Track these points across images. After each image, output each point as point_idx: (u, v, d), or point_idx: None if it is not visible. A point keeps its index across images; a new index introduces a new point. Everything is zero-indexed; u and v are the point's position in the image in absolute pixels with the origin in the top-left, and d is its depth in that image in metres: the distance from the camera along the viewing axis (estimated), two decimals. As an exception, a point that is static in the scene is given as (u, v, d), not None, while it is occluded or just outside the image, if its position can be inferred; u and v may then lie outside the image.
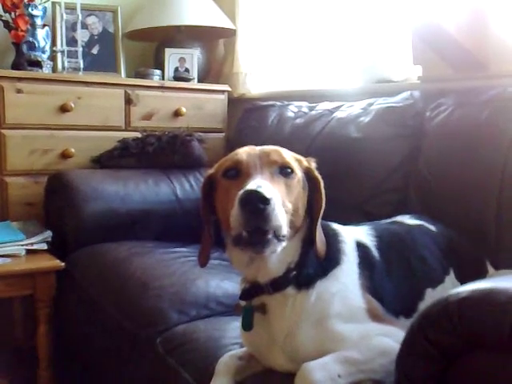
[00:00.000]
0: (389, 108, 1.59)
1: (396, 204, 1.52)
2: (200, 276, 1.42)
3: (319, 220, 0.95)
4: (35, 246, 1.70)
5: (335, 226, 1.06)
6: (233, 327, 1.21)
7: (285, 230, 0.86)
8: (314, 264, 0.96)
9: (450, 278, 1.12)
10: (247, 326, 0.98)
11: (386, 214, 1.36)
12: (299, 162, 0.97)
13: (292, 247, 0.94)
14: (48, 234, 1.74)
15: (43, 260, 1.66)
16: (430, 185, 1.44)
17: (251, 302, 0.98)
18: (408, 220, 1.24)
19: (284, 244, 0.88)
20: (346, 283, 0.97)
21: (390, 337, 0.90)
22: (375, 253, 1.05)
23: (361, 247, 1.04)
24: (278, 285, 0.95)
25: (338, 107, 1.78)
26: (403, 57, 1.85)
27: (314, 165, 0.98)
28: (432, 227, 1.21)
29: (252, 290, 0.97)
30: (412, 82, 1.76)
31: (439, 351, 0.70)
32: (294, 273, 0.95)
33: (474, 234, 1.28)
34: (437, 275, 1.10)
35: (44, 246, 1.72)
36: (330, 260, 0.98)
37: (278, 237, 0.85)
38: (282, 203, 0.87)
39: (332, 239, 1.00)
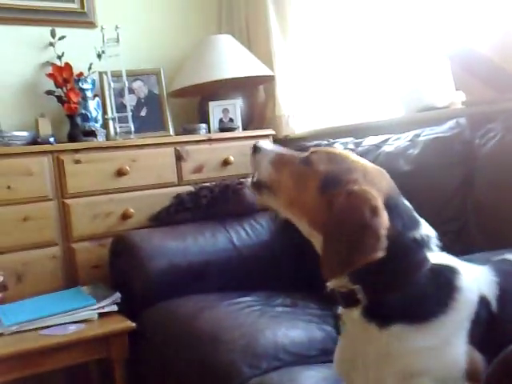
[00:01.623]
0: (437, 138, 1.58)
1: (457, 232, 1.50)
2: (267, 326, 1.44)
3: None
4: (106, 309, 1.77)
5: (457, 263, 0.95)
6: (305, 376, 1.21)
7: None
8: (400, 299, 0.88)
9: None
10: (336, 329, 0.98)
11: (448, 243, 1.34)
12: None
13: None
14: (117, 295, 1.80)
15: (115, 322, 1.72)
16: (488, 211, 1.42)
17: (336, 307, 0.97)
18: None
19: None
20: (447, 336, 0.87)
21: None
22: (495, 306, 0.90)
23: (484, 304, 0.89)
24: (345, 299, 0.93)
25: (385, 141, 1.79)
26: (445, 82, 1.85)
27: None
28: None
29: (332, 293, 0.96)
30: (456, 108, 1.75)
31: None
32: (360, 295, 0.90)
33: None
34: None
35: (114, 308, 1.78)
36: (432, 304, 0.88)
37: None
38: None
39: (444, 280, 0.90)
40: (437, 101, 1.88)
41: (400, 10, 2.10)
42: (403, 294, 0.89)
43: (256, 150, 1.05)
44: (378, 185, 0.93)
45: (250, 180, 1.06)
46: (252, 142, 2.30)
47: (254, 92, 2.57)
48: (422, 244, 0.92)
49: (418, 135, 1.66)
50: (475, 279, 0.92)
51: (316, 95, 2.41)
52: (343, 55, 2.32)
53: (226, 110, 2.41)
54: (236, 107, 2.41)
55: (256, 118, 2.55)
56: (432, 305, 0.89)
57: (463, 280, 0.91)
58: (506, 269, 1.01)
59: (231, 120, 2.40)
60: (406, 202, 0.97)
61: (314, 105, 2.42)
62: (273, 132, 2.39)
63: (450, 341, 0.86)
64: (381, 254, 0.86)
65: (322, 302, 1.68)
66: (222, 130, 2.37)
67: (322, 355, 1.34)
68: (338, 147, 1.99)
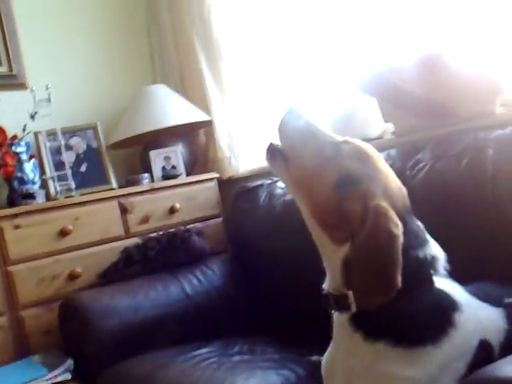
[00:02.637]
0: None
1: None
2: (224, 379, 1.42)
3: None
4: (59, 378, 1.70)
5: (462, 297, 0.90)
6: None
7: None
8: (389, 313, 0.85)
9: None
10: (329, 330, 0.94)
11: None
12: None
13: (334, 261, 0.90)
14: (69, 362, 1.74)
15: (69, 391, 1.66)
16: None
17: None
18: None
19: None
20: (432, 372, 0.82)
21: None
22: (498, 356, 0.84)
23: (485, 350, 0.85)
24: (336, 302, 0.91)
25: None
26: (376, 113, 1.91)
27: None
28: None
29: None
30: (387, 139, 1.82)
31: None
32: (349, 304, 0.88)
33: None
34: None
35: (68, 376, 1.72)
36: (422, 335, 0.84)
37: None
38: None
39: (439, 308, 0.87)
40: (369, 131, 1.94)
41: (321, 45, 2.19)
42: (393, 310, 0.85)
43: (289, 112, 0.97)
44: (393, 201, 0.89)
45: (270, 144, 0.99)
46: (196, 188, 2.32)
47: (195, 137, 2.59)
48: (424, 263, 0.89)
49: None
50: (479, 322, 0.88)
51: (255, 134, 2.44)
52: (276, 91, 2.37)
53: (167, 158, 2.41)
54: (177, 154, 2.41)
55: (199, 162, 2.56)
56: (422, 332, 0.85)
57: (463, 318, 0.87)
58: None
59: (174, 167, 2.40)
60: (417, 221, 0.94)
61: (254, 144, 2.45)
62: (216, 175, 2.41)
63: (434, 378, 0.82)
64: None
65: (279, 343, 1.68)
66: (166, 177, 2.36)
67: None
68: (281, 185, 2.02)
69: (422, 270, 0.89)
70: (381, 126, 1.91)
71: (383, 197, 0.89)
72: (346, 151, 0.93)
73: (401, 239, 0.84)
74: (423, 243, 0.92)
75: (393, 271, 0.82)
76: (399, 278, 0.82)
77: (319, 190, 0.91)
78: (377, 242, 0.84)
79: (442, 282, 0.92)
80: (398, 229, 0.85)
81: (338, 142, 0.95)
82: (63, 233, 2.06)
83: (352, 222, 0.87)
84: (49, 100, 2.23)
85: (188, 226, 2.18)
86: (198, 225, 2.25)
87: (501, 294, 1.00)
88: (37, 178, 2.20)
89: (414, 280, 0.87)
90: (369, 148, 0.97)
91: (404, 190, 0.96)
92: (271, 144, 0.99)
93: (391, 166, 1.57)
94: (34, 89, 2.24)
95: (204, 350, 1.66)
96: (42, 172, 2.26)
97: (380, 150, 1.66)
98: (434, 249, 0.93)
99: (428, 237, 0.94)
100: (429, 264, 0.90)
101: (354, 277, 0.86)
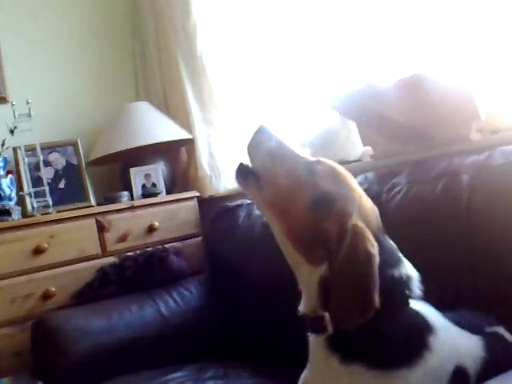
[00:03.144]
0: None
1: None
2: (196, 405, 1.39)
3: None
4: (28, 402, 1.66)
5: (438, 321, 0.89)
6: None
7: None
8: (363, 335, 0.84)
9: None
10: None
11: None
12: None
13: (310, 282, 0.89)
14: (39, 386, 1.70)
15: (37, 416, 1.61)
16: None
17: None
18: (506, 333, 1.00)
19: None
20: None
21: None
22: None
23: (461, 377, 0.84)
24: (312, 324, 0.90)
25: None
26: (356, 135, 1.91)
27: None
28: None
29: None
30: (365, 162, 1.81)
31: None
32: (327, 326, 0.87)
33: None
34: None
35: (37, 400, 1.67)
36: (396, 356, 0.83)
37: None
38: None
39: (413, 329, 0.85)
40: (348, 153, 1.94)
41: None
42: (369, 331, 0.84)
43: (259, 131, 0.96)
44: (368, 221, 0.90)
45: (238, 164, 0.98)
46: (175, 206, 2.29)
47: (176, 155, 2.57)
48: (399, 283, 0.88)
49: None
50: (455, 347, 0.87)
51: (237, 153, 2.43)
52: (258, 110, 2.37)
53: (148, 176, 2.39)
54: (158, 172, 2.39)
55: (179, 180, 2.54)
56: (397, 354, 0.84)
57: (438, 341, 0.86)
58: (496, 346, 0.94)
59: (154, 185, 2.38)
60: (390, 241, 0.94)
61: (235, 163, 2.44)
62: (197, 194, 2.39)
63: None
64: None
65: (254, 367, 1.65)
66: (145, 195, 2.33)
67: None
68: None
69: (397, 289, 0.88)
70: (360, 149, 1.91)
71: (359, 216, 0.89)
72: (321, 171, 0.93)
73: (377, 258, 0.84)
74: (398, 262, 0.91)
75: (371, 291, 0.82)
76: (377, 298, 0.82)
77: (294, 210, 0.91)
78: (355, 262, 0.84)
79: (418, 304, 0.91)
80: (375, 248, 0.85)
81: (312, 162, 0.95)
82: (38, 251, 2.02)
83: (329, 242, 0.87)
84: (29, 115, 2.21)
85: (166, 245, 2.15)
86: (176, 244, 2.22)
87: (482, 322, 1.00)
88: (13, 194, 2.16)
89: (390, 300, 0.86)
90: (341, 168, 0.97)
91: (376, 209, 0.96)
92: (241, 164, 0.98)
93: (368, 189, 1.58)
94: (14, 103, 2.22)
95: (177, 374, 1.62)
96: (20, 188, 2.23)
97: (358, 172, 1.68)
98: (409, 268, 0.93)
99: (402, 256, 0.94)
100: (404, 283, 0.89)
101: (331, 297, 0.85)
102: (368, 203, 0.95)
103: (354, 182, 0.96)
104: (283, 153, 0.95)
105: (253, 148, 0.97)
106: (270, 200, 0.94)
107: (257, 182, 0.95)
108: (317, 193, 0.90)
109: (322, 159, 0.97)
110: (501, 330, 1.00)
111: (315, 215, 0.89)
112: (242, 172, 0.98)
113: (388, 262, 0.89)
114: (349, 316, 0.83)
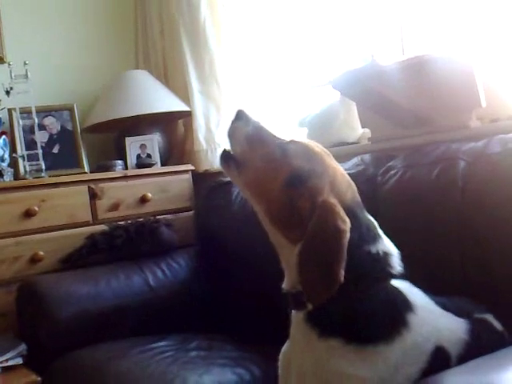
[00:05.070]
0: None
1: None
2: (178, 374, 1.39)
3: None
4: (10, 362, 1.65)
5: (419, 299, 0.90)
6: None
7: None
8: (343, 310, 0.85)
9: None
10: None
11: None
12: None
13: (290, 259, 0.91)
14: (22, 347, 1.69)
15: (19, 376, 1.61)
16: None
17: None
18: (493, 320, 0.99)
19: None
20: (381, 370, 0.82)
21: None
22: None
23: (441, 358, 0.84)
24: (294, 300, 0.92)
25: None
26: (354, 118, 1.89)
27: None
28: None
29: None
30: (362, 144, 1.80)
31: None
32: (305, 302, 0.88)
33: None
34: None
35: (19, 361, 1.67)
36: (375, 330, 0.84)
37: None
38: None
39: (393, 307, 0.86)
40: (346, 135, 1.92)
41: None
42: (347, 306, 0.86)
43: (238, 117, 0.99)
44: (342, 196, 0.90)
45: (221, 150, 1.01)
46: (169, 179, 2.27)
47: (173, 127, 2.54)
48: (377, 259, 0.89)
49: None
50: (436, 327, 0.87)
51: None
52: (259, 88, 2.35)
53: (143, 146, 2.37)
54: (154, 142, 2.37)
55: (175, 153, 2.52)
56: (374, 329, 0.85)
57: (416, 319, 0.86)
58: (483, 332, 0.93)
59: (149, 156, 2.36)
60: (369, 216, 0.94)
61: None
62: (192, 167, 2.37)
63: (385, 381, 0.81)
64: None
65: (238, 341, 1.66)
66: (140, 166, 2.31)
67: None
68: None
69: (375, 265, 0.89)
70: (358, 131, 1.89)
71: (331, 193, 0.90)
72: (293, 151, 0.95)
73: (347, 234, 0.85)
74: (376, 238, 0.92)
75: (336, 265, 0.83)
76: (342, 273, 0.83)
77: (271, 191, 0.93)
78: (323, 237, 0.85)
79: (399, 283, 0.92)
80: (346, 224, 0.85)
81: (285, 143, 0.97)
82: (28, 214, 2.00)
83: (303, 220, 0.89)
84: (26, 76, 2.17)
85: (158, 217, 2.14)
86: (168, 216, 2.21)
87: (471, 308, 1.00)
88: (6, 156, 2.14)
89: (367, 276, 0.88)
90: (316, 146, 0.98)
91: (353, 184, 0.97)
92: (224, 150, 1.01)
93: (363, 170, 1.58)
94: (11, 63, 2.18)
95: (161, 343, 1.62)
96: (13, 150, 2.21)
97: (355, 154, 1.67)
98: (388, 245, 0.93)
99: (381, 232, 0.94)
100: (382, 260, 0.90)
101: (299, 272, 0.87)
102: (344, 179, 0.95)
103: (328, 159, 0.97)
104: (260, 137, 0.98)
105: (232, 134, 0.99)
106: (250, 183, 0.97)
107: (238, 166, 0.98)
108: (290, 172, 0.93)
109: (296, 139, 0.99)
110: (490, 318, 1.01)
111: (290, 194, 0.91)
112: (224, 157, 1.01)
113: (364, 238, 0.89)
114: (315, 291, 0.85)
